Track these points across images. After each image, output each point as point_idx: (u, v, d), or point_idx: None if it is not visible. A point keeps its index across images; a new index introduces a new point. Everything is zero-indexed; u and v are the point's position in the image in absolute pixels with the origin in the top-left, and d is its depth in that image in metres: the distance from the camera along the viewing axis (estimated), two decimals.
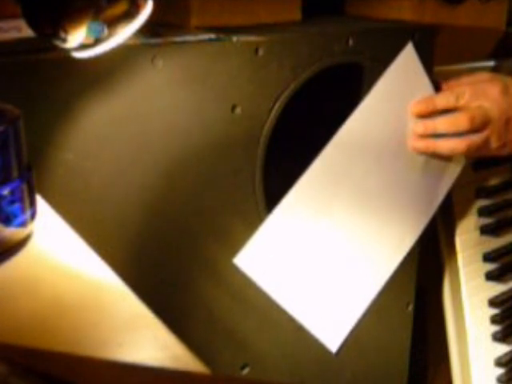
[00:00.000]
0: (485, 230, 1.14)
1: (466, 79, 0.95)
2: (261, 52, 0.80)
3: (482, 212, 1.14)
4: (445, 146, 0.93)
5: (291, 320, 0.90)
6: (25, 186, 0.53)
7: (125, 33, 0.60)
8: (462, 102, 0.91)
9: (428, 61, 0.94)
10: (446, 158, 0.99)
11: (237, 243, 0.84)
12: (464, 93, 0.92)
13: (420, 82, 0.94)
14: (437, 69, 0.97)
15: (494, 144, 0.93)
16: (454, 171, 1.02)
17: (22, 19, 0.60)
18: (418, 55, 0.93)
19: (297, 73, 0.84)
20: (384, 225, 0.95)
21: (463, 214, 1.11)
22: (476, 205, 1.13)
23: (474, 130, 0.91)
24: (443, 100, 0.92)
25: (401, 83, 0.92)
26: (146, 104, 0.74)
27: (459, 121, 0.91)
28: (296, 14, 0.93)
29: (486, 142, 0.93)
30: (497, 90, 0.92)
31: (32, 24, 0.59)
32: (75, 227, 0.56)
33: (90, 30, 0.58)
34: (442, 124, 0.92)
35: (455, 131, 0.92)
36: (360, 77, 0.92)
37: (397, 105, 0.92)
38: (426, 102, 0.92)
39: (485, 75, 0.96)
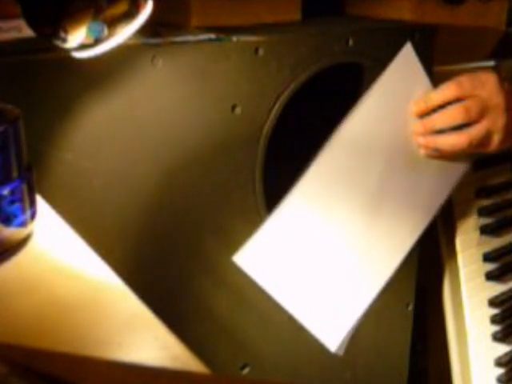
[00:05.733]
0: (485, 230, 1.14)
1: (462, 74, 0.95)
2: (261, 52, 0.80)
3: (481, 212, 1.13)
4: (445, 141, 0.93)
5: (291, 320, 0.90)
6: (25, 186, 0.53)
7: (125, 33, 0.60)
8: (460, 92, 0.91)
9: (427, 61, 0.94)
10: (449, 159, 0.98)
11: (237, 243, 0.84)
12: (461, 83, 0.92)
13: (419, 82, 0.94)
14: (437, 69, 0.97)
15: (496, 136, 0.93)
16: (456, 173, 1.01)
17: (22, 19, 0.60)
18: (418, 55, 0.93)
19: (297, 73, 0.84)
20: (385, 224, 0.95)
21: (463, 214, 1.11)
22: (476, 205, 1.13)
23: (471, 120, 0.91)
24: (440, 94, 0.92)
25: (400, 83, 0.92)
26: (146, 104, 0.74)
27: (455, 113, 0.91)
28: (296, 14, 0.93)
29: (488, 134, 0.92)
30: (493, 80, 0.92)
31: (32, 24, 0.59)
32: (75, 227, 0.56)
33: (90, 30, 0.58)
34: (438, 120, 0.92)
35: (452, 124, 0.92)
36: (360, 77, 0.92)
37: (396, 104, 0.92)
38: (424, 100, 0.92)
39: (480, 70, 0.96)
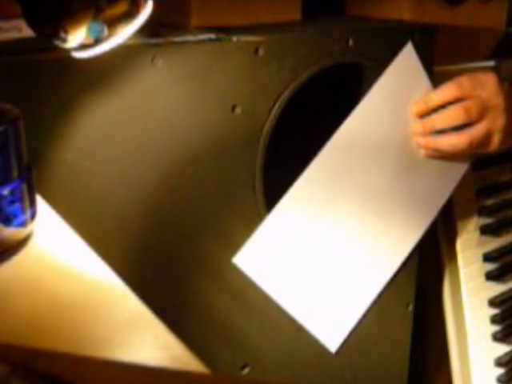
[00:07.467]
0: (485, 230, 1.14)
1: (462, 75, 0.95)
2: (261, 52, 0.80)
3: (481, 212, 1.14)
4: (445, 142, 0.92)
5: (291, 320, 0.90)
6: (25, 186, 0.53)
7: (125, 33, 0.60)
8: (460, 93, 0.91)
9: (428, 61, 0.94)
10: (449, 160, 0.98)
11: (237, 243, 0.84)
12: (461, 84, 0.92)
13: (419, 82, 0.94)
14: (437, 69, 0.97)
15: (496, 136, 0.93)
16: (456, 173, 1.01)
17: (22, 19, 0.60)
18: (418, 55, 0.93)
19: (297, 73, 0.84)
20: (385, 225, 0.95)
21: (463, 214, 1.11)
22: (476, 205, 1.13)
23: (471, 121, 0.91)
24: (440, 94, 0.92)
25: (400, 83, 0.92)
26: (146, 104, 0.74)
27: (455, 113, 0.91)
28: (296, 14, 0.93)
29: (488, 134, 0.92)
30: (494, 81, 0.92)
31: (32, 24, 0.59)
32: (75, 227, 0.56)
33: (90, 30, 0.58)
34: (438, 120, 0.92)
35: (452, 124, 0.92)
36: (360, 77, 0.92)
37: (396, 104, 0.92)
38: (424, 100, 0.92)
39: (480, 70, 0.96)
